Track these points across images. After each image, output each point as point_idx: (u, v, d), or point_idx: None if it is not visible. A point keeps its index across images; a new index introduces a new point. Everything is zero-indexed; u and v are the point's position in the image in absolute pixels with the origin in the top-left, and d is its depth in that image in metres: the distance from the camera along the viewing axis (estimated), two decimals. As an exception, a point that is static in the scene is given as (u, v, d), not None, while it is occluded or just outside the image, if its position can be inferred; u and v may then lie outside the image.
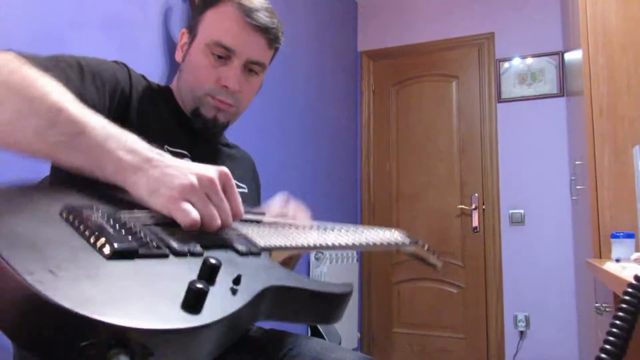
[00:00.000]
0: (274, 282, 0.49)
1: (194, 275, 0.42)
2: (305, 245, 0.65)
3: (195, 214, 0.53)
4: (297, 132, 2.74)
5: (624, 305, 0.33)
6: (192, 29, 0.91)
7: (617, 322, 0.33)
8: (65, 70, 0.71)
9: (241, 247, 0.55)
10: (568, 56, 2.74)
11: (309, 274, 2.74)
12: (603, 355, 0.33)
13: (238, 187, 0.95)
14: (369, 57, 3.69)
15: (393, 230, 0.81)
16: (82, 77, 0.73)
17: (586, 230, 1.94)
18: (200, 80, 0.87)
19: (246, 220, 0.68)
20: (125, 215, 0.51)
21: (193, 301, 0.39)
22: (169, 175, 0.54)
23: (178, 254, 0.47)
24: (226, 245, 0.55)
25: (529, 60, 3.17)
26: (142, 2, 1.67)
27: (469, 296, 3.18)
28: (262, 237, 0.62)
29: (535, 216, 3.05)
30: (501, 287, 3.10)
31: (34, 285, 0.34)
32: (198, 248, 0.49)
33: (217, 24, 0.86)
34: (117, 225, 0.47)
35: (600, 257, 1.71)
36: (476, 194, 3.21)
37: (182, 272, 0.44)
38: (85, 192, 0.55)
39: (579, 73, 1.96)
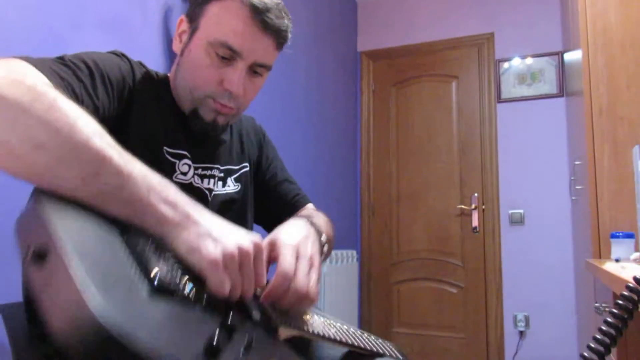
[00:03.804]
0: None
1: (214, 328, 0.46)
2: (316, 333, 0.64)
3: (228, 288, 0.54)
4: (297, 132, 2.74)
5: (620, 302, 0.33)
6: (192, 19, 0.82)
7: (610, 319, 0.33)
8: (77, 74, 0.69)
9: (256, 316, 0.58)
10: (568, 56, 2.74)
11: (308, 274, 2.74)
12: (586, 354, 0.33)
13: (237, 170, 0.94)
14: (369, 57, 3.69)
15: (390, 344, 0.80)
16: (93, 80, 0.72)
17: (586, 230, 1.94)
18: (201, 81, 0.80)
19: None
20: (170, 255, 0.54)
21: (212, 351, 0.42)
22: (212, 237, 0.55)
23: (206, 307, 0.50)
24: (246, 310, 0.58)
25: (529, 61, 3.17)
26: (142, 2, 1.67)
27: (468, 296, 3.18)
28: (276, 314, 0.63)
29: (535, 216, 3.05)
30: (501, 287, 3.10)
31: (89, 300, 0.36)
32: (221, 306, 0.53)
33: (222, 21, 0.78)
34: (166, 262, 0.50)
35: (600, 257, 1.71)
36: (476, 194, 3.21)
37: (207, 323, 0.48)
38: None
39: (579, 73, 1.96)
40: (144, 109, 0.80)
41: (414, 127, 3.47)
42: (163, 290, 0.45)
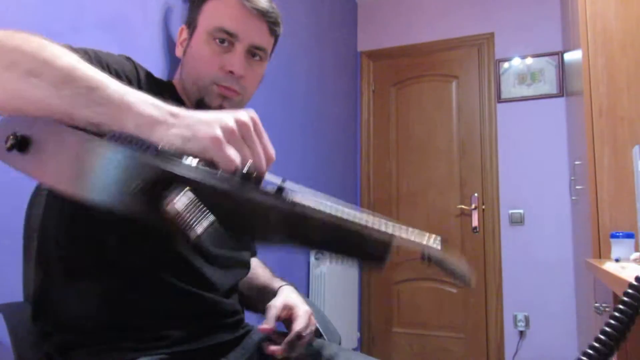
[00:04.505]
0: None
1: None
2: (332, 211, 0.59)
3: (238, 161, 0.51)
4: (297, 132, 2.74)
5: (621, 307, 0.33)
6: (190, 23, 0.90)
7: (612, 322, 0.33)
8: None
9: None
10: (568, 56, 2.74)
11: (308, 275, 2.74)
12: (590, 351, 0.33)
13: None
14: (369, 57, 3.69)
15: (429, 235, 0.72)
16: (91, 64, 0.73)
17: (586, 230, 1.94)
18: (204, 69, 0.86)
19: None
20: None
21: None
22: (204, 122, 0.51)
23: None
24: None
25: (529, 61, 3.17)
26: (142, 2, 1.67)
27: (469, 296, 3.18)
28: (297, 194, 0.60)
29: (535, 216, 3.05)
30: (501, 287, 3.10)
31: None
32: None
33: (218, 12, 0.86)
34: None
35: (600, 257, 1.72)
36: (476, 194, 3.21)
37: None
38: None
39: (579, 73, 1.96)
40: None
41: (414, 127, 3.47)
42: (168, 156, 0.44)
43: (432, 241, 0.59)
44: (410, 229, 0.62)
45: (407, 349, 3.27)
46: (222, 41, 0.85)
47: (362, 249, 0.52)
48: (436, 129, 3.40)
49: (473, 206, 3.20)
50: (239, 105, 0.90)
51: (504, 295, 3.08)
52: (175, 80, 0.94)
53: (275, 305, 0.86)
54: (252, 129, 0.54)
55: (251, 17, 0.86)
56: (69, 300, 0.74)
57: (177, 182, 0.39)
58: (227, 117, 0.52)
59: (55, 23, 1.38)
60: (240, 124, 0.53)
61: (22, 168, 0.43)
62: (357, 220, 0.51)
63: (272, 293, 0.93)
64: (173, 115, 0.52)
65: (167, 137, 0.50)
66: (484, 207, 3.19)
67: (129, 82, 0.79)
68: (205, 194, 0.40)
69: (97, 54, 0.77)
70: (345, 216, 0.52)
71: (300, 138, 2.77)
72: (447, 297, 3.22)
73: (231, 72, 0.85)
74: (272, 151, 0.56)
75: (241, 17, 0.86)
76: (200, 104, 0.87)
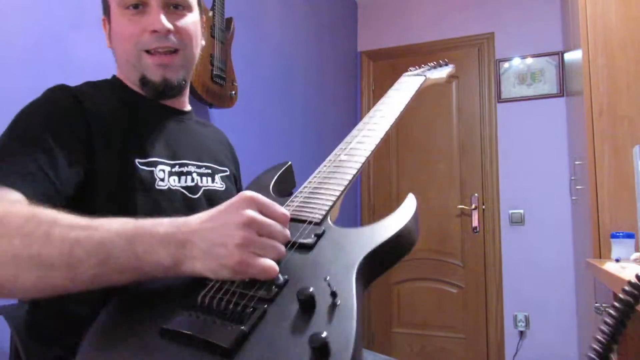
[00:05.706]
0: (358, 259, 0.52)
1: (296, 315, 0.46)
2: (349, 179, 0.72)
3: (274, 267, 0.52)
4: (297, 133, 2.74)
5: (617, 304, 0.33)
6: (105, 10, 0.87)
7: (609, 319, 0.33)
8: (30, 171, 0.65)
9: (307, 240, 0.57)
10: (568, 56, 2.74)
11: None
12: (592, 355, 0.33)
13: (221, 170, 0.94)
14: (369, 57, 3.69)
15: (400, 81, 0.99)
16: (41, 164, 0.67)
17: (586, 230, 1.94)
18: (128, 40, 0.81)
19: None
20: (205, 298, 0.51)
21: (323, 355, 0.41)
22: (218, 244, 0.51)
23: (271, 300, 0.49)
24: (293, 247, 0.57)
25: (529, 60, 3.17)
26: (142, 2, 1.67)
27: (469, 296, 3.18)
28: (309, 207, 0.65)
29: (535, 216, 3.05)
30: (501, 287, 3.10)
31: None
32: (280, 279, 0.51)
33: None
34: (211, 320, 0.48)
35: (600, 257, 1.71)
36: (476, 194, 3.21)
37: (288, 320, 0.46)
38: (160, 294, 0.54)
39: (579, 73, 1.96)
40: (105, 126, 0.77)
41: (414, 127, 3.47)
42: (237, 345, 0.45)
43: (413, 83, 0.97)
44: (391, 97, 0.97)
45: (407, 349, 3.27)
46: (135, 6, 0.80)
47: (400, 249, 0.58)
48: (436, 129, 3.40)
49: (473, 206, 3.20)
50: (183, 68, 0.85)
51: (504, 295, 3.08)
52: (117, 71, 0.90)
53: None
54: (259, 219, 0.53)
55: None
56: (70, 306, 0.73)
57: None
58: (233, 228, 0.51)
59: (56, 23, 1.37)
60: (249, 224, 0.52)
61: None
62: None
63: None
64: (183, 245, 0.52)
65: (196, 272, 0.52)
66: (484, 207, 3.19)
67: (81, 118, 0.75)
68: None
69: (51, 150, 0.70)
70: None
71: (300, 138, 2.77)
72: (447, 297, 3.22)
73: (154, 31, 0.80)
74: (285, 214, 0.56)
75: None
76: (144, 81, 0.83)
